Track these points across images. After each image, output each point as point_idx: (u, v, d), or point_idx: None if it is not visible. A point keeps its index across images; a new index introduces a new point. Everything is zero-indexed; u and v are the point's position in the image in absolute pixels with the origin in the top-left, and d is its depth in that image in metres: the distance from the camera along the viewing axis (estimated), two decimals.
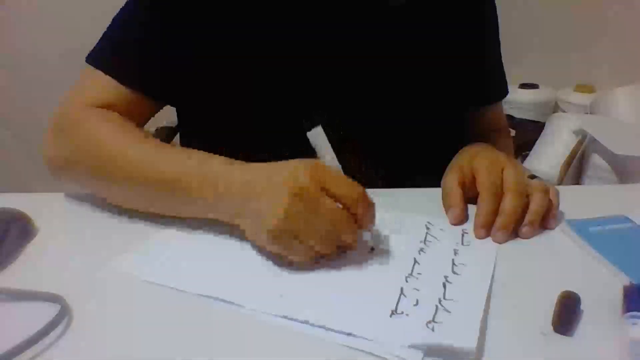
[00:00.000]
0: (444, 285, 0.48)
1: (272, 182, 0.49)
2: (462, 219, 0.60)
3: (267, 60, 0.66)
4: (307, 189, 0.47)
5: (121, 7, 0.67)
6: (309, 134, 0.52)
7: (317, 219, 0.47)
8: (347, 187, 0.49)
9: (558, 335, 0.42)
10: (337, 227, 0.48)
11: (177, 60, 0.66)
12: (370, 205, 0.50)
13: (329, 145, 0.52)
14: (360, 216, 0.49)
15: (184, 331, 0.43)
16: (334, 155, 0.53)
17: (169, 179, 0.55)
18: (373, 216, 0.51)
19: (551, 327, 0.43)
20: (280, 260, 0.50)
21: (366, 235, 0.53)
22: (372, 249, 0.53)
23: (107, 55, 0.66)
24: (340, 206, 0.48)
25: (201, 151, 0.58)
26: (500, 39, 0.84)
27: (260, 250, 0.52)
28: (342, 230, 0.49)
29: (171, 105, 0.73)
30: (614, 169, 1.22)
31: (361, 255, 0.51)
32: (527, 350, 0.41)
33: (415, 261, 0.52)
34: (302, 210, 0.47)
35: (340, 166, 0.52)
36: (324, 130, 0.60)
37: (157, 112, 0.71)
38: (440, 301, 0.45)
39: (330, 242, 0.49)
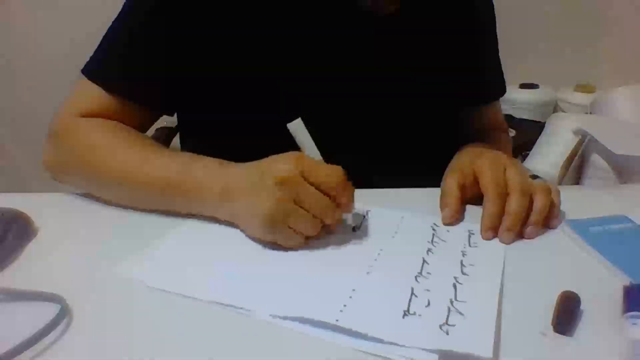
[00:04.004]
0: (455, 286, 0.48)
1: (257, 177, 0.52)
2: (454, 220, 0.60)
3: (261, 66, 0.66)
4: (289, 178, 0.50)
5: (116, 15, 0.68)
6: (289, 125, 0.55)
7: (303, 206, 0.51)
8: (326, 174, 0.52)
9: (558, 335, 0.42)
10: (320, 213, 0.52)
11: (170, 71, 0.66)
12: (349, 190, 0.53)
13: (309, 135, 0.55)
14: (339, 201, 0.53)
15: (184, 331, 0.43)
16: (314, 145, 0.55)
17: (155, 184, 0.58)
18: (352, 200, 0.54)
19: (551, 327, 0.43)
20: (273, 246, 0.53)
21: (347, 217, 0.57)
22: (354, 229, 0.57)
23: (100, 67, 0.67)
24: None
25: (187, 154, 0.62)
26: (500, 39, 0.84)
27: (265, 252, 0.53)
28: (325, 215, 0.52)
29: (167, 114, 0.74)
30: (614, 169, 1.22)
31: (344, 236, 0.55)
32: (527, 350, 0.41)
33: (424, 261, 0.52)
34: (288, 197, 0.50)
35: (320, 155, 0.56)
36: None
37: (155, 121, 0.72)
38: (452, 302, 0.45)
39: (316, 226, 0.53)
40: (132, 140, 0.63)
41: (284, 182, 0.50)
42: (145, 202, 0.60)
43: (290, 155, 0.53)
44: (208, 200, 0.56)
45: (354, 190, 0.54)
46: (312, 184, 0.51)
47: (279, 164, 0.52)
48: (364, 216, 0.60)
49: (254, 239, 0.54)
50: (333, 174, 0.52)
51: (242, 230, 0.55)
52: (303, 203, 0.51)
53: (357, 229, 0.57)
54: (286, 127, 0.54)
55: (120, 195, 0.61)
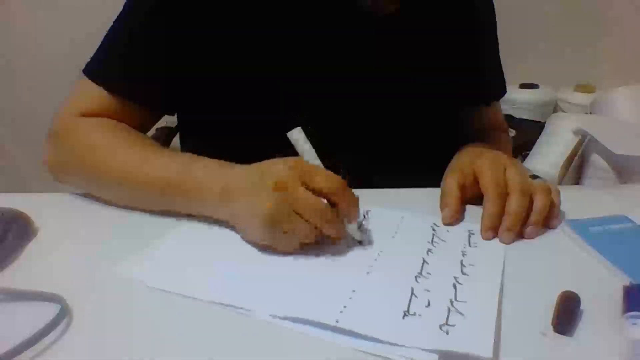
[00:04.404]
0: (455, 287, 0.48)
1: (257, 178, 0.52)
2: (454, 220, 0.60)
3: (261, 66, 0.66)
4: (286, 182, 0.49)
5: (116, 16, 0.68)
6: (289, 134, 0.53)
7: (299, 210, 0.49)
8: (325, 179, 0.50)
9: (558, 335, 0.42)
10: (317, 219, 0.50)
11: (170, 70, 0.66)
12: (352, 198, 0.52)
13: (309, 144, 0.54)
14: (341, 208, 0.51)
15: (184, 331, 0.43)
16: (314, 153, 0.54)
17: (155, 184, 0.58)
18: (355, 209, 0.52)
19: (551, 327, 0.43)
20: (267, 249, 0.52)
21: (351, 229, 0.54)
22: (360, 242, 0.54)
23: (101, 67, 0.67)
24: (325, 201, 0.50)
25: (187, 154, 0.61)
26: (500, 39, 0.84)
27: (265, 252, 0.52)
28: (322, 222, 0.50)
29: (167, 114, 0.74)
30: (614, 169, 1.22)
31: (331, 256, 0.52)
32: (527, 350, 0.41)
33: (424, 261, 0.52)
34: (285, 201, 0.49)
35: (320, 162, 0.54)
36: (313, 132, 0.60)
37: (156, 122, 0.73)
38: (452, 302, 0.45)
39: (311, 232, 0.51)
40: (132, 140, 0.63)
41: (282, 184, 0.50)
42: (145, 202, 0.60)
43: (291, 158, 0.52)
44: (208, 200, 0.56)
45: (357, 200, 0.52)
46: (310, 188, 0.50)
47: (279, 166, 0.51)
48: (364, 216, 0.60)
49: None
50: (333, 179, 0.51)
51: (240, 232, 0.55)
52: (299, 207, 0.49)
53: (362, 242, 0.54)
54: (286, 127, 0.54)
55: (120, 195, 0.61)
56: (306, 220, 0.50)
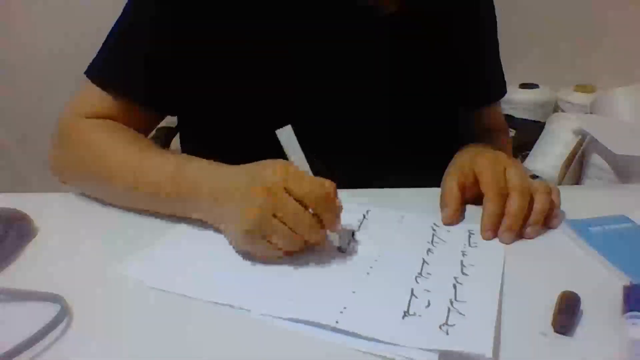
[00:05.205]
0: (455, 287, 0.48)
1: (244, 184, 0.51)
2: (454, 220, 0.60)
3: (259, 65, 0.66)
4: (271, 189, 0.48)
5: (118, 17, 0.68)
6: (278, 132, 0.51)
7: (282, 218, 0.48)
8: (309, 187, 0.49)
9: (558, 335, 0.42)
10: (299, 227, 0.49)
11: (171, 71, 0.66)
12: (333, 206, 0.50)
13: (297, 144, 0.52)
14: (321, 217, 0.50)
15: (184, 331, 0.43)
16: (303, 155, 0.52)
17: (149, 185, 0.58)
18: (336, 217, 0.51)
19: (551, 327, 0.43)
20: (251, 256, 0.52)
21: (332, 237, 0.53)
22: (340, 249, 0.53)
23: (102, 69, 0.67)
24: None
25: (182, 155, 0.61)
26: (500, 39, 0.84)
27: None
28: (304, 230, 0.49)
29: (168, 114, 0.75)
30: (614, 169, 1.22)
31: (330, 256, 0.52)
32: (527, 350, 0.41)
33: (424, 261, 0.52)
34: (269, 208, 0.48)
35: (308, 166, 0.52)
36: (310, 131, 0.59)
37: (158, 123, 0.73)
38: (452, 303, 0.45)
39: (295, 241, 0.50)
40: (130, 141, 0.63)
41: (267, 192, 0.48)
42: (142, 203, 0.60)
43: (275, 163, 0.51)
44: (199, 202, 0.55)
45: (340, 209, 0.51)
46: (294, 195, 0.49)
47: (267, 171, 0.50)
48: (364, 215, 0.60)
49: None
50: (317, 187, 0.49)
51: (227, 238, 0.54)
52: (282, 216, 0.48)
53: (344, 250, 0.53)
54: (280, 125, 0.53)
55: (118, 195, 0.61)
56: (289, 227, 0.49)
